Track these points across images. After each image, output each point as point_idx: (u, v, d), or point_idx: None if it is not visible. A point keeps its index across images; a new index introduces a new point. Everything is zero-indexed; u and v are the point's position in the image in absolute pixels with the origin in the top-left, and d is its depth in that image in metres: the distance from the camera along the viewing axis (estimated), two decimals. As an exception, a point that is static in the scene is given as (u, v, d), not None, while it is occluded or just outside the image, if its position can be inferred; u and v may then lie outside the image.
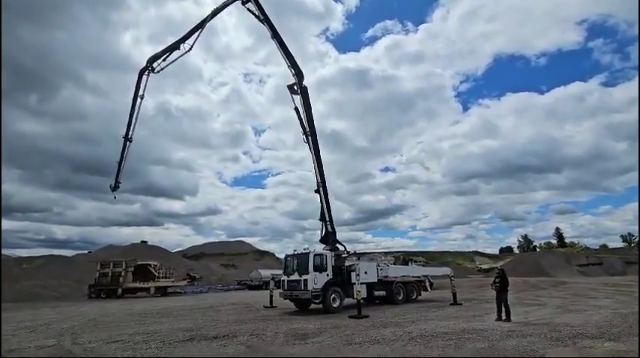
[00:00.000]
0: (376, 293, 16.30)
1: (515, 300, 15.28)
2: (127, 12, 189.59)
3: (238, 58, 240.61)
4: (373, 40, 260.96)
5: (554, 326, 9.27)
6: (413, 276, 18.68)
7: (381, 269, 16.88)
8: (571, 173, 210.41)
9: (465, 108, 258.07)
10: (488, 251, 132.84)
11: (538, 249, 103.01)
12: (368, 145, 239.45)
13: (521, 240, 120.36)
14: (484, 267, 79.17)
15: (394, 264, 22.99)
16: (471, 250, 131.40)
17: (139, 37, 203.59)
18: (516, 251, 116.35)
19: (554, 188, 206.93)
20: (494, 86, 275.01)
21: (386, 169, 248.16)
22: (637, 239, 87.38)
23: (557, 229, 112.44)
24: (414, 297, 18.03)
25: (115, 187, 20.38)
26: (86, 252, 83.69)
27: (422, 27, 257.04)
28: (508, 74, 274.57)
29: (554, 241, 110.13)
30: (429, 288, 19.41)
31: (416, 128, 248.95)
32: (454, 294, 16.46)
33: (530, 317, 11.22)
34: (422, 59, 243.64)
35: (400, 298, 17.09)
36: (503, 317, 10.54)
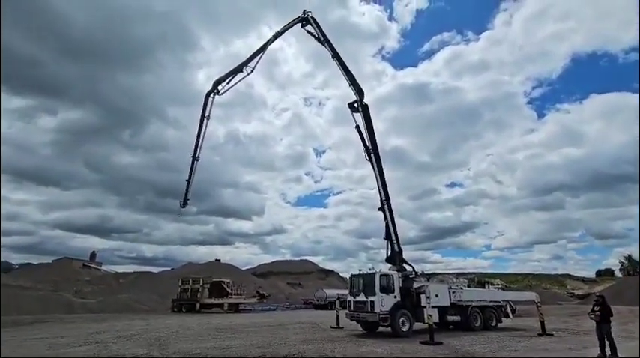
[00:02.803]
0: (449, 318, 15.27)
1: (621, 333, 13.07)
2: (201, 53, 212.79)
3: (298, 84, 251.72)
4: (430, 54, 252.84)
5: (679, 368, 7.69)
6: (491, 301, 17.16)
7: (453, 292, 15.85)
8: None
9: (540, 115, 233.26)
10: (581, 274, 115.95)
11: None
12: (431, 160, 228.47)
13: (624, 261, 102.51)
14: (578, 292, 69.17)
15: (468, 286, 21.32)
16: (559, 273, 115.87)
17: (211, 74, 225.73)
18: (618, 274, 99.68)
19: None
20: (573, 89, 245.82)
21: (452, 184, 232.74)
22: None
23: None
24: (493, 324, 16.48)
25: (183, 204, 22.04)
26: (169, 268, 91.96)
27: (483, 35, 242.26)
28: (590, 74, 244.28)
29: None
30: (510, 315, 17.63)
31: (483, 140, 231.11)
32: (542, 323, 14.63)
33: (644, 355, 9.47)
34: (486, 68, 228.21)
35: (477, 324, 15.79)
36: (608, 353, 9.10)
